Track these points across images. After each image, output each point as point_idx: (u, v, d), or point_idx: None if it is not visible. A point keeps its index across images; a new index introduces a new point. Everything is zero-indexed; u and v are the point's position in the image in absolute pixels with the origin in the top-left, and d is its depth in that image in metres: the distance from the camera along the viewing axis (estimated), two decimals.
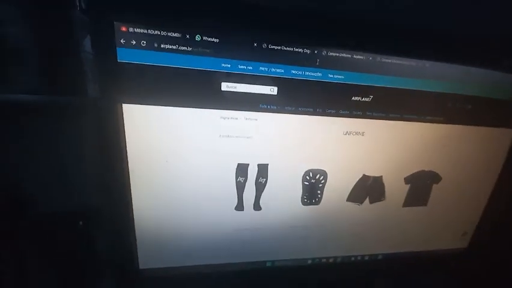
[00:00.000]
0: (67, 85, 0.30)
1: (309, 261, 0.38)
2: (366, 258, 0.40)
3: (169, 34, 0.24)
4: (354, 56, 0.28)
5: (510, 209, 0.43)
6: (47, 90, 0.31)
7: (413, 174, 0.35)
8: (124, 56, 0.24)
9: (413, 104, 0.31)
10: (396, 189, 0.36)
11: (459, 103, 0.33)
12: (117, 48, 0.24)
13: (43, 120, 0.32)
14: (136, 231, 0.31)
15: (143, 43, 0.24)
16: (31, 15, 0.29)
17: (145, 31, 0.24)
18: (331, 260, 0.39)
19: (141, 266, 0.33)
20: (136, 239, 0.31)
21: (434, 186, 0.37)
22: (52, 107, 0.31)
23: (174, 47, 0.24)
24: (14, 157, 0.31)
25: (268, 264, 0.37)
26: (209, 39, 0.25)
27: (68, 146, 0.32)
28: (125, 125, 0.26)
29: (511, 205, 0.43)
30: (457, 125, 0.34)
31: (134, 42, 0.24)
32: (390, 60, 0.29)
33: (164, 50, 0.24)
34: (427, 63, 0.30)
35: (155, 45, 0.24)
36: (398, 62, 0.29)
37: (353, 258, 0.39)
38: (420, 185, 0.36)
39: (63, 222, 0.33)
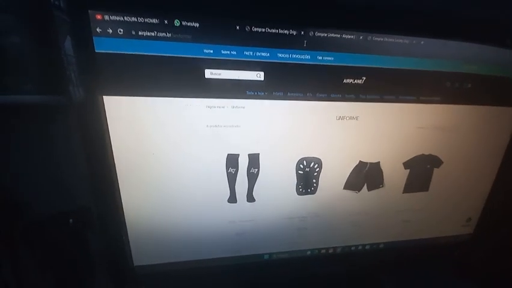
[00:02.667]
0: (53, 85, 0.29)
1: (308, 253, 0.37)
2: (367, 247, 0.39)
3: (147, 20, 0.23)
4: (344, 36, 0.27)
5: None
6: (31, 91, 0.30)
7: (412, 158, 0.34)
8: (102, 45, 0.23)
9: (409, 85, 0.30)
10: (395, 175, 0.34)
11: (458, 82, 0.31)
12: (94, 37, 0.23)
13: (29, 121, 0.31)
14: (127, 227, 0.30)
15: (120, 31, 0.23)
16: (9, 15, 0.28)
17: (121, 18, 0.23)
18: (331, 251, 0.38)
19: (136, 263, 0.32)
20: (128, 236, 0.31)
21: (435, 170, 0.35)
22: (36, 107, 0.30)
23: (153, 34, 0.23)
24: (4, 159, 0.31)
25: (265, 257, 0.36)
26: (189, 24, 0.24)
27: (55, 145, 0.31)
28: (107, 119, 0.25)
29: None
30: (456, 105, 0.32)
31: (111, 31, 0.23)
32: (382, 39, 0.27)
33: (142, 37, 0.23)
34: (422, 41, 0.28)
35: (133, 32, 0.23)
36: (390, 40, 0.28)
37: (353, 248, 0.38)
38: (420, 170, 0.35)
39: (55, 223, 0.33)
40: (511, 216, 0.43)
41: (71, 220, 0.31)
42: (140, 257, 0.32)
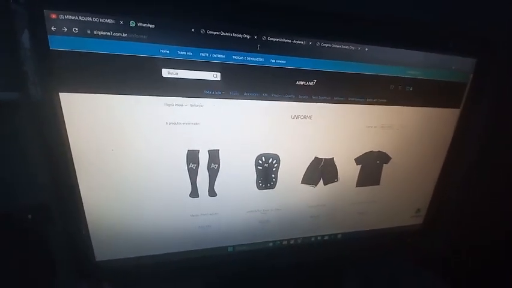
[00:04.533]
0: (8, 81, 0.29)
1: (271, 244, 0.39)
2: (326, 238, 0.42)
3: (102, 20, 0.24)
4: (295, 41, 0.29)
5: (460, 185, 0.46)
6: None
7: (363, 155, 0.37)
8: (56, 43, 0.24)
9: (356, 87, 0.33)
10: (348, 170, 0.37)
11: (400, 85, 0.35)
12: (48, 35, 0.24)
13: None
14: (88, 223, 0.31)
15: (75, 30, 0.24)
16: None
17: (76, 18, 0.23)
18: (292, 242, 0.40)
19: (98, 258, 0.33)
20: (88, 232, 0.31)
21: (385, 166, 0.39)
22: None
23: (108, 34, 0.24)
24: None
25: (229, 249, 0.38)
26: (144, 25, 0.25)
27: (10, 143, 0.31)
28: (64, 115, 0.26)
29: (461, 181, 0.46)
30: (400, 107, 0.36)
31: (65, 29, 0.24)
32: (330, 45, 0.30)
33: (98, 36, 0.24)
34: (366, 47, 0.31)
35: (88, 32, 0.24)
36: (338, 46, 0.30)
37: (313, 239, 0.41)
38: (371, 165, 0.38)
39: (14, 219, 0.32)
40: (457, 208, 0.47)
41: (29, 216, 0.31)
42: (102, 252, 0.33)
